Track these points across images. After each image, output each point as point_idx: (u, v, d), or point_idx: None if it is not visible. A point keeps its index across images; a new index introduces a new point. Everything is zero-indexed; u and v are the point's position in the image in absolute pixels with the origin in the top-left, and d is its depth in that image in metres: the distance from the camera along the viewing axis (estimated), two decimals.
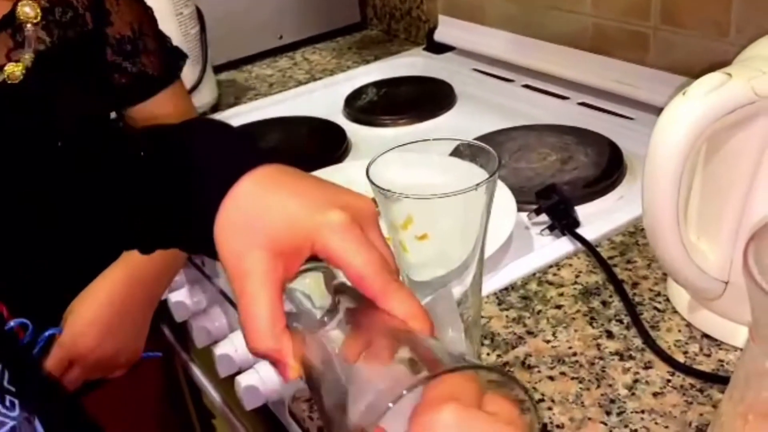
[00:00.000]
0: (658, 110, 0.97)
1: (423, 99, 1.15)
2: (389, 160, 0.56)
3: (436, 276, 0.56)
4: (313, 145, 1.05)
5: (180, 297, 0.89)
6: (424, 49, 1.31)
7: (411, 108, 1.13)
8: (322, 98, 1.19)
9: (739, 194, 0.57)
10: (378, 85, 1.20)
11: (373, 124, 1.10)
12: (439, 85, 1.16)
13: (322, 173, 0.90)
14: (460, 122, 1.07)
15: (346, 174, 0.89)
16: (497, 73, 1.17)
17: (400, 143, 1.07)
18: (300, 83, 1.25)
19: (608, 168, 0.89)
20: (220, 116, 1.15)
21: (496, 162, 0.51)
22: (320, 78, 1.26)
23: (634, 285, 0.69)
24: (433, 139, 0.57)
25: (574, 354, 0.62)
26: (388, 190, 0.51)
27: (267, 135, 1.08)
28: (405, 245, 0.55)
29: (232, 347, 0.83)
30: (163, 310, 0.89)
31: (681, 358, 0.60)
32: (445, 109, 1.11)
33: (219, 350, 0.83)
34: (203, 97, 1.16)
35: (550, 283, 0.71)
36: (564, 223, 0.78)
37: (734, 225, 0.58)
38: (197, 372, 1.02)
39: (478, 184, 0.50)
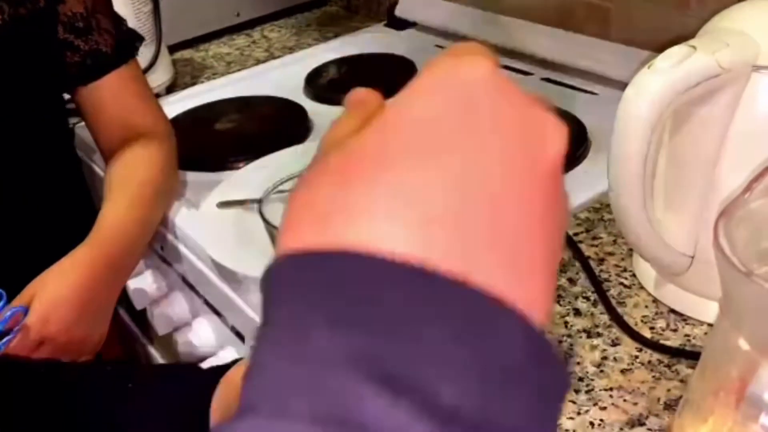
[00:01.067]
0: (622, 85, 0.97)
1: (386, 77, 1.13)
2: None
3: None
4: (273, 125, 1.03)
5: (140, 284, 0.86)
6: (386, 25, 1.29)
7: (374, 86, 1.10)
8: (282, 77, 1.16)
9: (705, 168, 0.56)
10: (339, 62, 1.17)
11: (335, 103, 1.08)
12: (401, 62, 1.15)
13: (284, 154, 0.89)
14: None
15: (308, 155, 0.87)
16: None
17: None
18: (259, 62, 1.22)
19: (572, 144, 0.88)
20: (177, 96, 1.12)
21: None
22: (280, 56, 1.23)
23: (601, 261, 0.69)
24: None
25: (560, 342, 0.62)
26: None
27: (225, 115, 1.05)
28: None
29: (194, 334, 0.81)
30: (122, 297, 0.86)
31: (648, 334, 0.60)
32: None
33: (181, 337, 0.82)
34: (158, 78, 1.12)
35: None
36: None
37: (700, 199, 0.57)
38: (159, 360, 1.00)
39: None
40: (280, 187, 0.71)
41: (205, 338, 0.79)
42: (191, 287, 0.83)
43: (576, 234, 0.72)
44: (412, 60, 1.14)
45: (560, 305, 0.65)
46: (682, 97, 0.52)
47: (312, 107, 1.06)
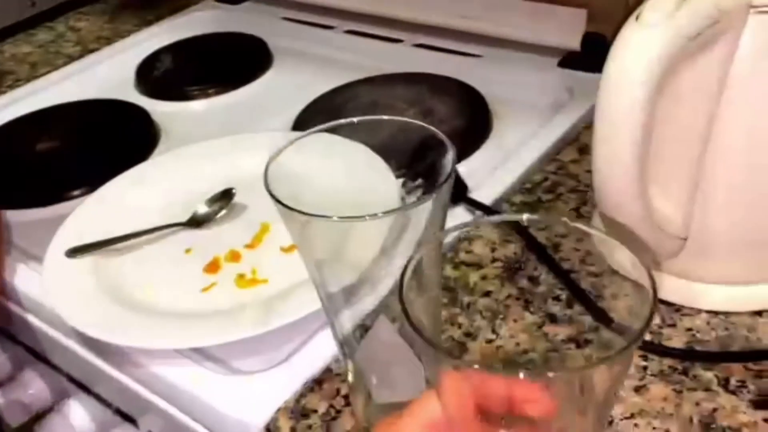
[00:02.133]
0: (510, 44, 0.88)
1: (233, 60, 0.96)
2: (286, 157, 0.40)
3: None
4: (108, 137, 0.83)
5: None
6: (217, 0, 1.11)
7: (220, 73, 0.94)
8: (105, 74, 0.96)
9: (698, 138, 0.47)
10: (173, 49, 0.99)
11: (178, 98, 0.90)
12: (248, 41, 0.98)
13: (135, 173, 0.71)
14: (285, 84, 0.91)
15: (167, 173, 0.70)
16: (313, 20, 1.01)
17: (215, 117, 0.90)
18: (71, 59, 1.00)
19: (474, 117, 0.78)
20: None
21: (447, 151, 0.37)
22: (96, 49, 1.02)
23: (556, 248, 0.59)
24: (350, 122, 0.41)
25: (525, 352, 0.51)
26: (324, 216, 0.35)
27: (44, 131, 0.84)
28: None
29: (64, 420, 0.62)
30: None
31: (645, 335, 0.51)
32: (262, 69, 0.94)
33: (45, 428, 0.63)
34: None
35: (468, 265, 0.58)
36: (453, 190, 0.66)
37: (693, 173, 0.48)
38: None
39: (435, 190, 0.36)
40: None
41: (80, 425, 0.61)
42: (44, 360, 0.65)
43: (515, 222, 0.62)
44: (260, 37, 0.98)
45: (531, 312, 0.54)
46: (681, 53, 0.42)
47: (152, 106, 0.88)
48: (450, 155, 0.37)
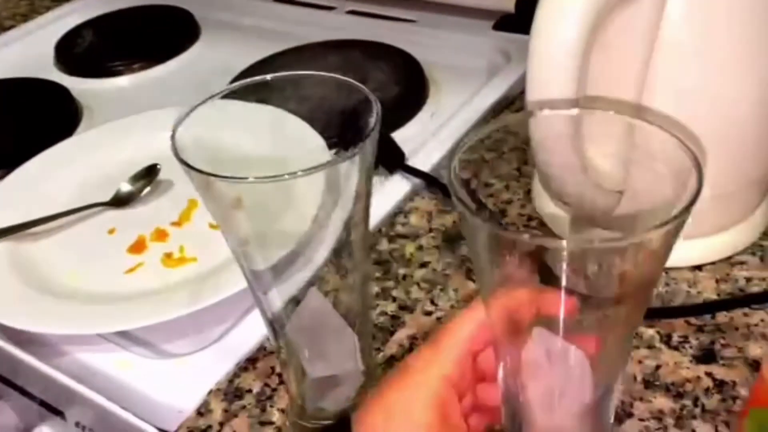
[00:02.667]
0: (444, 7, 0.85)
1: (158, 33, 0.92)
2: (194, 121, 0.38)
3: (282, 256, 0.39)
4: (26, 117, 0.79)
5: None
6: None
7: (146, 47, 0.90)
8: (22, 53, 0.91)
9: (632, 87, 0.46)
10: (94, 24, 0.94)
11: (101, 75, 0.86)
12: (173, 13, 0.94)
13: (55, 153, 0.67)
14: (213, 56, 0.87)
15: (88, 151, 0.67)
16: None
17: (142, 93, 0.86)
18: None
19: (410, 83, 0.76)
20: None
21: (371, 106, 0.35)
22: (13, 26, 0.96)
23: (503, 214, 0.58)
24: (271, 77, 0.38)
25: None
26: (229, 177, 0.32)
27: None
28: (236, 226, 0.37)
29: None
30: None
31: None
32: (189, 42, 0.90)
33: None
34: None
35: (404, 237, 0.57)
36: (389, 158, 0.64)
37: (627, 126, 0.47)
38: None
39: (360, 149, 0.34)
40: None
41: (3, 420, 0.58)
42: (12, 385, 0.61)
43: (466, 181, 0.60)
44: (185, 9, 0.94)
45: (473, 280, 0.53)
46: (607, 6, 0.41)
47: (73, 84, 0.83)
48: (374, 109, 0.35)
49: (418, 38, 0.82)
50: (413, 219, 0.58)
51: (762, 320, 0.46)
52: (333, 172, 0.37)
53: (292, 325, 0.38)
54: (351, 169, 0.37)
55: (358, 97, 0.37)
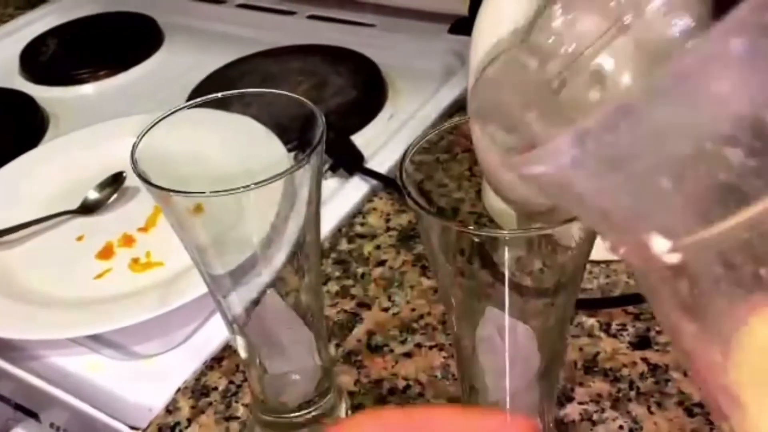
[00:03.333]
0: (402, 12, 0.88)
1: (122, 41, 0.94)
2: (156, 129, 0.40)
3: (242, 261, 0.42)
4: None
5: None
6: None
7: (110, 54, 0.91)
8: None
9: None
10: (59, 32, 0.95)
11: (66, 83, 0.87)
12: (137, 20, 0.96)
13: (21, 165, 0.68)
14: (178, 62, 0.89)
15: (55, 160, 0.68)
16: None
17: (107, 100, 0.87)
18: None
19: (368, 86, 0.78)
20: None
21: (317, 120, 0.38)
22: None
23: (454, 212, 0.61)
24: (221, 95, 0.41)
25: (421, 316, 0.52)
26: (190, 192, 0.35)
27: None
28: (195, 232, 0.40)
29: None
30: None
31: None
32: (153, 48, 0.92)
33: None
34: None
35: (362, 237, 0.59)
36: (348, 160, 0.67)
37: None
38: None
39: (300, 160, 0.36)
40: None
41: None
42: None
43: (420, 182, 0.63)
44: (149, 15, 0.96)
45: (428, 277, 0.55)
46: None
47: (39, 92, 0.85)
48: (319, 122, 0.37)
49: (376, 42, 0.85)
50: (371, 219, 0.61)
51: None
52: (289, 179, 0.39)
53: (251, 326, 0.40)
54: (304, 177, 0.39)
55: (306, 110, 0.40)
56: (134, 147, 0.37)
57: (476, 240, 0.37)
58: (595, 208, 0.22)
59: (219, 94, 0.40)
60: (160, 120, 0.38)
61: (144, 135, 0.37)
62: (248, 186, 0.35)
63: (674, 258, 0.20)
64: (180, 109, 0.40)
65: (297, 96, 0.39)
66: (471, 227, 0.35)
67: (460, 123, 0.45)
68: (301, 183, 0.40)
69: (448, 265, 0.41)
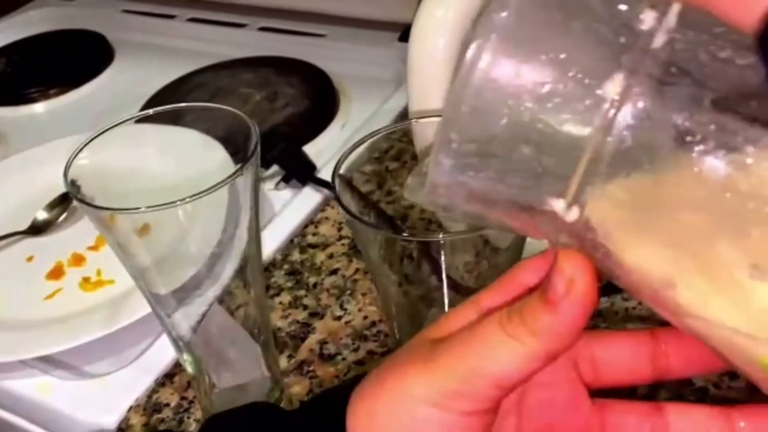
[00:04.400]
0: (352, 21, 0.89)
1: (72, 59, 0.93)
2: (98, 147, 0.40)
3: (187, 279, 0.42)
4: None
5: None
6: None
7: (60, 72, 0.90)
8: None
9: None
10: (7, 51, 0.94)
11: (16, 102, 0.86)
12: (86, 37, 0.95)
13: None
14: (129, 78, 0.88)
15: (2, 181, 0.68)
16: (153, 10, 0.99)
17: (58, 119, 0.86)
18: None
19: (320, 96, 0.79)
20: None
21: (250, 130, 0.38)
22: None
23: (403, 220, 0.61)
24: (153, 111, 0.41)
25: (373, 324, 0.52)
26: (130, 209, 0.35)
27: None
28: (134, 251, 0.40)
29: None
30: None
31: None
32: (103, 65, 0.91)
33: None
34: None
35: (314, 246, 0.60)
36: (300, 171, 0.67)
37: None
38: None
39: (236, 172, 0.36)
40: None
41: None
42: None
43: (370, 192, 0.63)
44: (99, 32, 0.95)
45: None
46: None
47: None
48: (253, 133, 0.38)
49: (327, 52, 0.85)
50: (324, 229, 0.61)
51: (639, 304, 0.50)
52: (232, 192, 0.39)
53: (197, 341, 0.40)
54: (244, 188, 0.39)
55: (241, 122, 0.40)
56: (66, 168, 0.37)
57: (413, 246, 0.37)
58: (499, 204, 0.23)
59: (150, 111, 0.40)
60: (89, 142, 0.38)
61: (74, 158, 0.37)
62: (184, 199, 0.35)
63: (573, 214, 0.22)
64: (112, 127, 0.40)
65: (230, 108, 0.40)
66: (405, 233, 0.36)
67: (394, 130, 0.46)
68: (243, 194, 0.40)
69: (391, 273, 0.41)
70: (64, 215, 0.63)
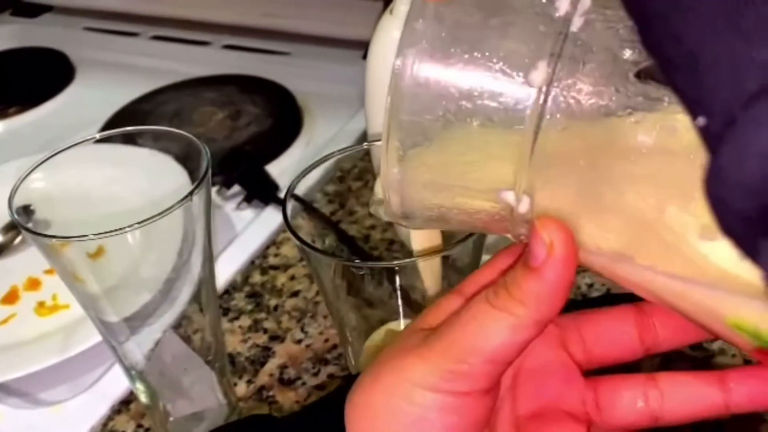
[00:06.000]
0: (315, 39, 0.88)
1: (33, 77, 0.92)
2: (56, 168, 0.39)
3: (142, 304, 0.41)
4: None
5: None
6: (12, 14, 1.05)
7: (20, 91, 0.89)
8: None
9: None
10: None
11: None
12: (47, 55, 0.94)
13: None
14: (90, 96, 0.87)
15: None
16: (116, 28, 0.98)
17: (18, 137, 0.85)
18: None
19: (284, 115, 0.78)
20: None
21: (201, 153, 0.37)
22: None
23: (366, 239, 0.61)
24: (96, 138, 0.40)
25: (334, 347, 0.52)
26: (77, 236, 0.34)
27: None
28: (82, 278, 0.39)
29: None
30: None
31: None
32: (64, 83, 0.90)
33: None
34: None
35: (276, 268, 0.59)
36: (263, 191, 0.66)
37: None
38: None
39: (188, 196, 0.36)
40: None
41: None
42: None
43: (332, 213, 0.63)
44: (60, 50, 0.94)
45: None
46: None
47: None
48: (203, 155, 0.37)
49: (291, 70, 0.85)
50: (285, 249, 0.61)
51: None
52: (187, 214, 0.39)
53: (151, 369, 0.39)
54: (198, 210, 0.39)
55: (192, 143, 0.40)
56: (13, 193, 0.36)
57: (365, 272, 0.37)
58: (455, 206, 0.23)
59: (97, 135, 0.39)
60: (38, 165, 0.37)
61: (22, 181, 0.37)
62: (132, 225, 0.34)
63: (525, 205, 0.22)
64: (64, 150, 0.39)
65: (182, 132, 0.39)
66: (357, 260, 0.35)
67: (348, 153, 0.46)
68: (198, 217, 0.39)
69: (349, 297, 0.41)
70: (19, 238, 0.62)
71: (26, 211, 0.43)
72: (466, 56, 0.21)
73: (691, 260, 0.20)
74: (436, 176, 0.23)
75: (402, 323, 0.40)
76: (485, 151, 0.22)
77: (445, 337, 0.25)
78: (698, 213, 0.20)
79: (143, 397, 0.41)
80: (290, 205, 0.35)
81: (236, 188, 0.67)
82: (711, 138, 0.15)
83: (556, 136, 0.21)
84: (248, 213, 0.65)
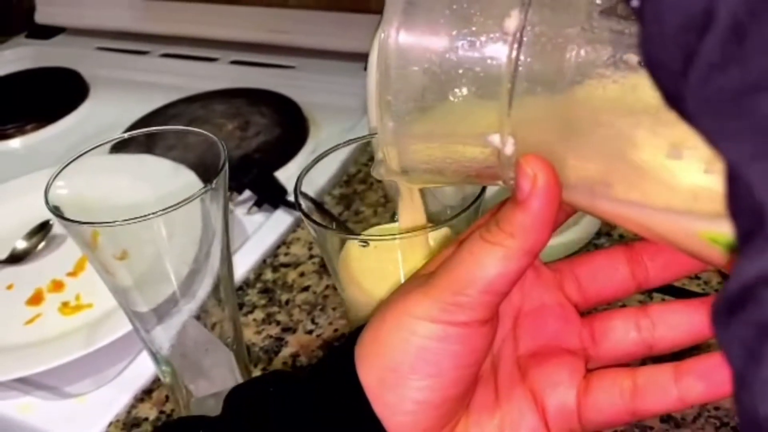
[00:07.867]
0: (320, 53, 0.92)
1: (49, 95, 0.96)
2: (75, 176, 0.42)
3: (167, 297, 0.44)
4: None
5: None
6: (27, 36, 1.09)
7: (36, 108, 0.93)
8: None
9: None
10: None
11: None
12: (63, 75, 0.98)
13: None
14: (104, 112, 0.91)
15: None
16: (127, 47, 1.02)
17: (35, 153, 0.89)
18: None
19: (290, 124, 0.82)
20: None
21: (219, 149, 0.41)
22: None
23: None
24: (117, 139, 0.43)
25: (344, 335, 0.55)
26: (109, 222, 0.37)
27: None
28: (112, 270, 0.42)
29: None
30: None
31: None
32: (79, 101, 0.93)
33: None
34: None
35: (286, 266, 0.62)
36: (272, 195, 0.70)
37: None
38: None
39: (209, 185, 0.39)
40: None
41: None
42: None
43: (340, 214, 0.66)
44: (75, 69, 0.98)
45: None
46: None
47: None
48: (222, 152, 0.40)
49: (297, 82, 0.88)
50: (295, 248, 0.64)
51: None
52: (204, 211, 0.42)
53: (174, 353, 0.42)
54: (215, 204, 0.42)
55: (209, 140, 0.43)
56: (47, 190, 0.39)
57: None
58: (448, 155, 0.26)
59: (126, 135, 0.42)
60: (67, 165, 0.41)
61: (54, 180, 0.40)
62: (156, 213, 0.37)
63: (509, 147, 0.25)
64: (90, 150, 0.42)
65: (201, 131, 0.42)
66: (360, 233, 0.38)
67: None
68: (215, 214, 0.42)
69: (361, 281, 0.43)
70: (42, 243, 0.65)
71: (56, 211, 0.46)
72: (447, 11, 0.24)
73: (662, 180, 0.22)
74: (427, 126, 0.26)
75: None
76: (471, 100, 0.25)
77: (444, 274, 0.28)
78: (667, 134, 0.22)
79: (168, 379, 0.43)
80: (301, 196, 0.38)
81: (247, 193, 0.70)
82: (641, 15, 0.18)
83: (531, 77, 0.24)
84: (259, 216, 0.68)
